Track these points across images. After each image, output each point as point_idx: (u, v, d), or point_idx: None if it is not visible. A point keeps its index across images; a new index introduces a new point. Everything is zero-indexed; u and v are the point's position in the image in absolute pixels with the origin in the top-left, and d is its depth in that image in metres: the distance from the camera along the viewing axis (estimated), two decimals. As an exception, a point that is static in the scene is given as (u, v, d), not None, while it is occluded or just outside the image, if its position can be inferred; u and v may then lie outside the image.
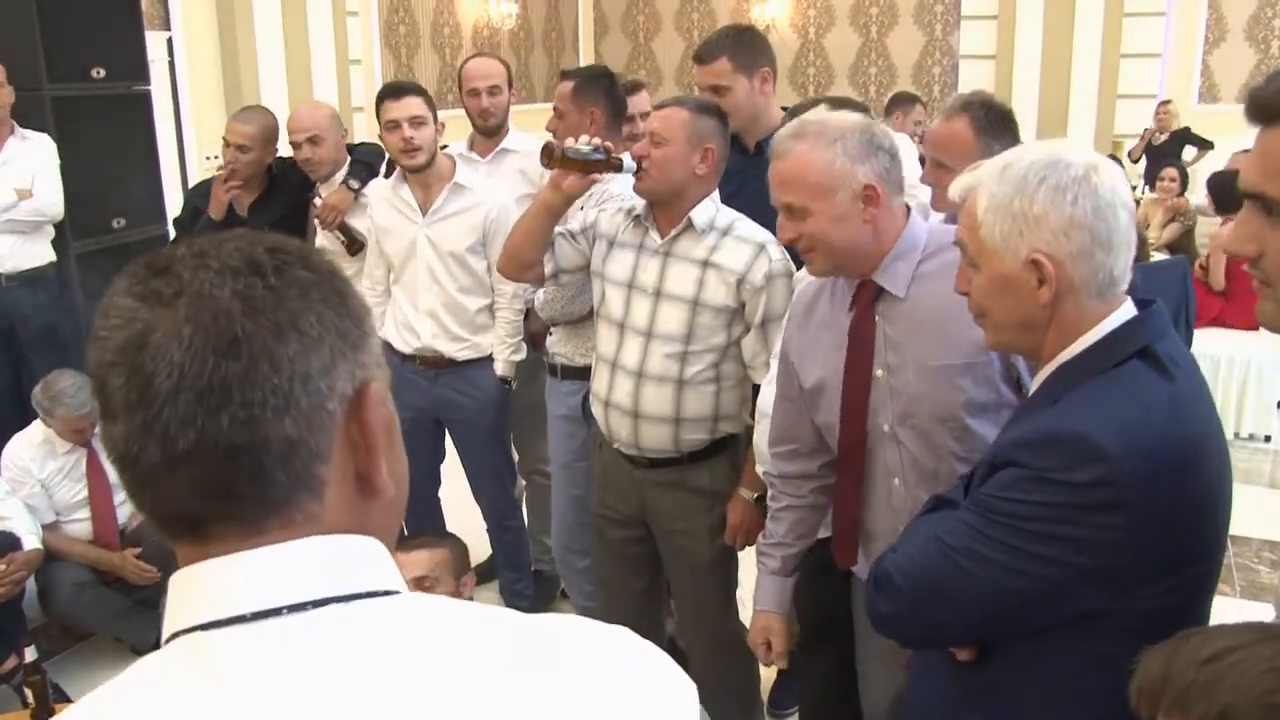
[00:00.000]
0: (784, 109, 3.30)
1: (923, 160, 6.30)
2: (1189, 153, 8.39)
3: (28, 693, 3.05)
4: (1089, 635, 1.42)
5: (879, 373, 1.96)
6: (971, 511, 1.46)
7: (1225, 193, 6.04)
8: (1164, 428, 1.37)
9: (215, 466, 0.68)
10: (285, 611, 0.68)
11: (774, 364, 2.55)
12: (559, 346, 3.28)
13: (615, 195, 3.09)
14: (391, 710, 0.66)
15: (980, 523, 1.43)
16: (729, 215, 2.72)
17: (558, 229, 2.80)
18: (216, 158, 6.65)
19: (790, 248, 2.69)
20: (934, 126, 2.80)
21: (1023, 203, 1.43)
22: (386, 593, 0.71)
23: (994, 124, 2.59)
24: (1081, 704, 1.44)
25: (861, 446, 2.00)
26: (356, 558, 0.72)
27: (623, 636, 0.76)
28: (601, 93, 3.35)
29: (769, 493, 2.31)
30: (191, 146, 7.01)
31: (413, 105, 3.37)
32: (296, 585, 0.69)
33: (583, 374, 3.16)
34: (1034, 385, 1.57)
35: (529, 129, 4.11)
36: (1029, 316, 1.48)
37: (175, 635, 0.70)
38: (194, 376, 0.67)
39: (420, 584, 2.69)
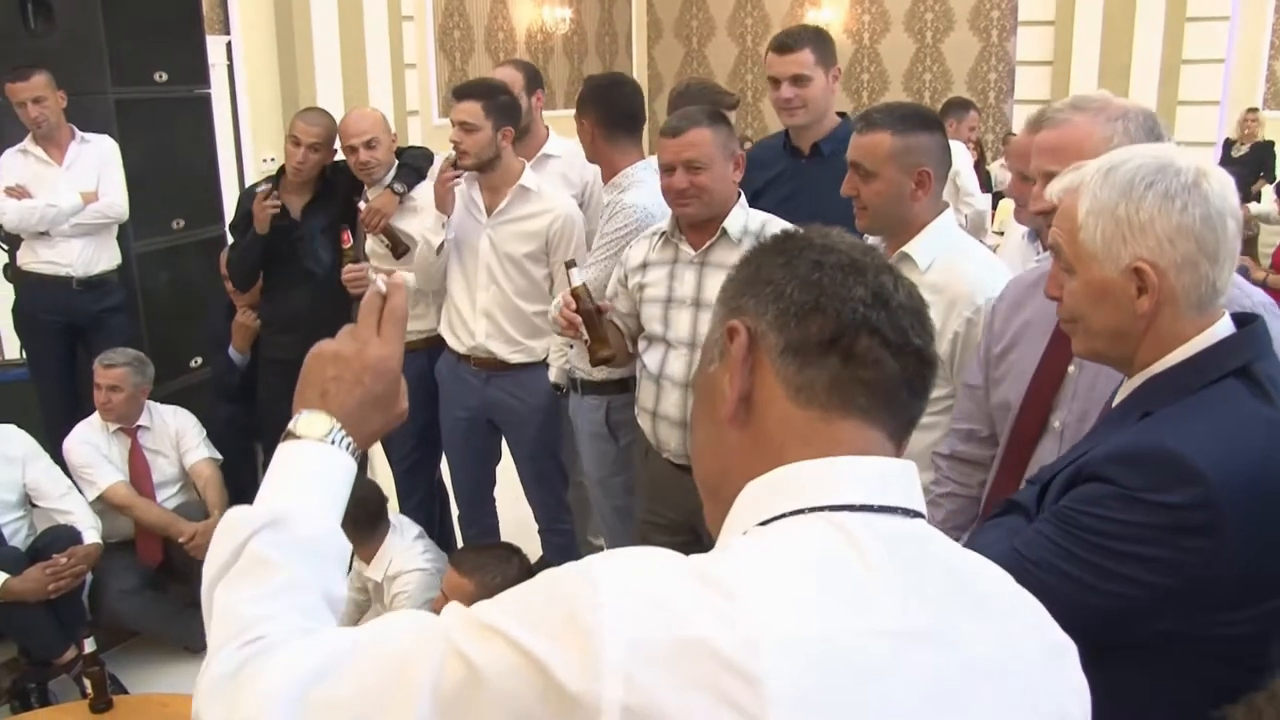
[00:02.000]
0: (840, 115, 3.29)
1: (977, 166, 6.24)
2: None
3: (86, 683, 3.11)
4: (1160, 656, 1.38)
5: (1072, 368, 1.88)
6: (1051, 524, 1.41)
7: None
8: (1262, 453, 1.32)
9: (927, 374, 0.94)
10: (899, 512, 0.89)
11: None
12: (578, 360, 3.27)
13: (629, 205, 3.11)
14: (962, 584, 0.89)
15: (1060, 536, 1.39)
16: (758, 217, 2.72)
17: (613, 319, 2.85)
18: (274, 160, 6.75)
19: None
20: (1019, 139, 2.76)
21: (1128, 208, 1.38)
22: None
23: None
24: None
25: (1035, 438, 1.92)
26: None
27: None
28: (589, 103, 3.33)
29: (932, 476, 2.21)
30: (249, 149, 7.12)
31: (465, 110, 3.37)
32: (896, 492, 0.90)
33: (601, 388, 3.17)
34: (1119, 396, 1.52)
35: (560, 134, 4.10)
36: (1124, 325, 1.42)
37: (810, 510, 0.87)
38: (920, 312, 0.94)
39: (435, 605, 2.73)
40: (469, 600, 2.70)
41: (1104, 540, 1.35)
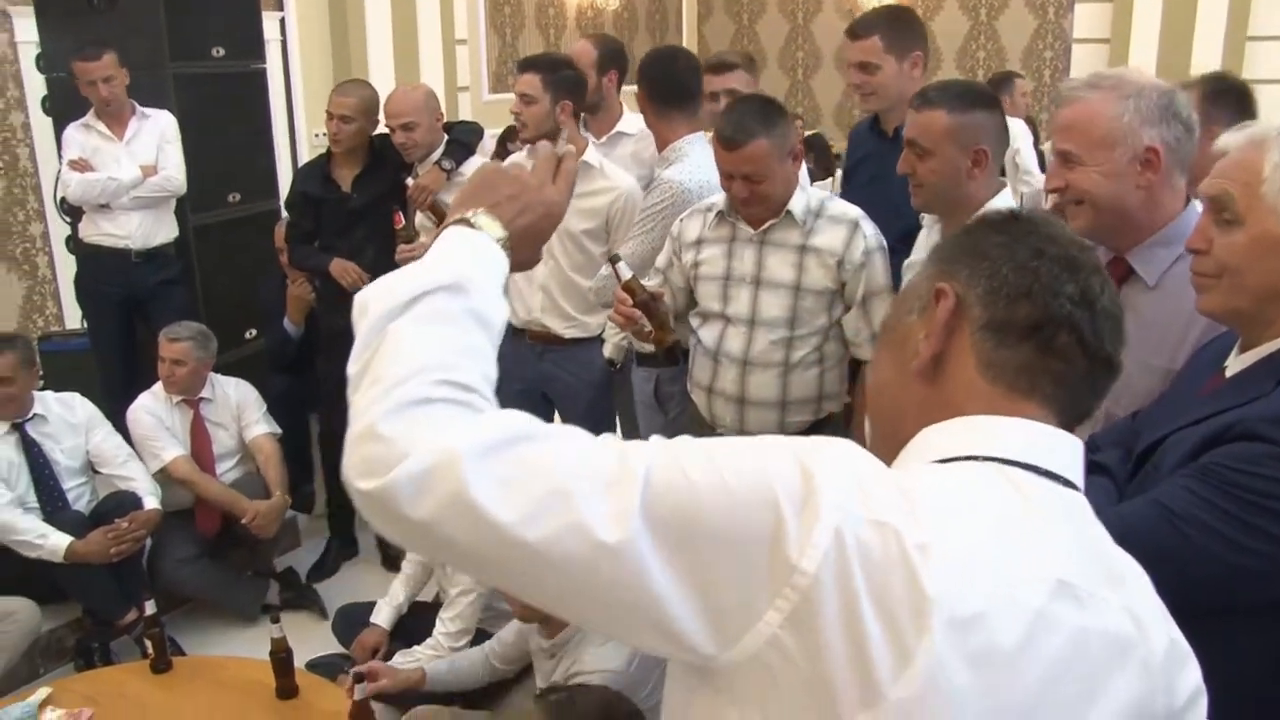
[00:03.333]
0: None
1: (1035, 143, 6.14)
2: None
3: (147, 644, 3.19)
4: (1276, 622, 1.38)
5: None
6: (1196, 480, 1.41)
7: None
8: None
9: (1110, 379, 0.99)
10: (1062, 481, 0.93)
11: None
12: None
13: (666, 181, 3.12)
14: (1106, 560, 0.93)
15: (1208, 491, 1.38)
16: (816, 195, 2.72)
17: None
18: (324, 135, 6.82)
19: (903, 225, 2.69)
20: None
21: None
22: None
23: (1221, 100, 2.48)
24: (1252, 690, 1.40)
25: None
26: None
27: None
28: (642, 77, 3.36)
29: None
30: (301, 124, 7.17)
31: (525, 83, 3.39)
32: (1062, 463, 0.94)
33: (651, 360, 3.18)
34: (1240, 361, 1.51)
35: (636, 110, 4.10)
36: None
37: (983, 459, 0.92)
38: (1118, 319, 0.98)
39: None
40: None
41: (1260, 499, 1.35)
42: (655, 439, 0.87)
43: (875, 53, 3.10)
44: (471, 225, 1.04)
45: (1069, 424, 0.97)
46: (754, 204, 2.64)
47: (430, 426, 0.83)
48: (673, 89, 3.29)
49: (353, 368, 0.90)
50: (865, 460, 0.86)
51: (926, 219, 2.57)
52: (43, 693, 3.03)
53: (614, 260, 2.63)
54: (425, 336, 0.90)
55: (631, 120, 3.85)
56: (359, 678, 2.74)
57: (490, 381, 0.91)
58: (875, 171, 3.06)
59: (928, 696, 0.78)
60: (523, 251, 1.08)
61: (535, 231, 1.11)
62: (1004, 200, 2.39)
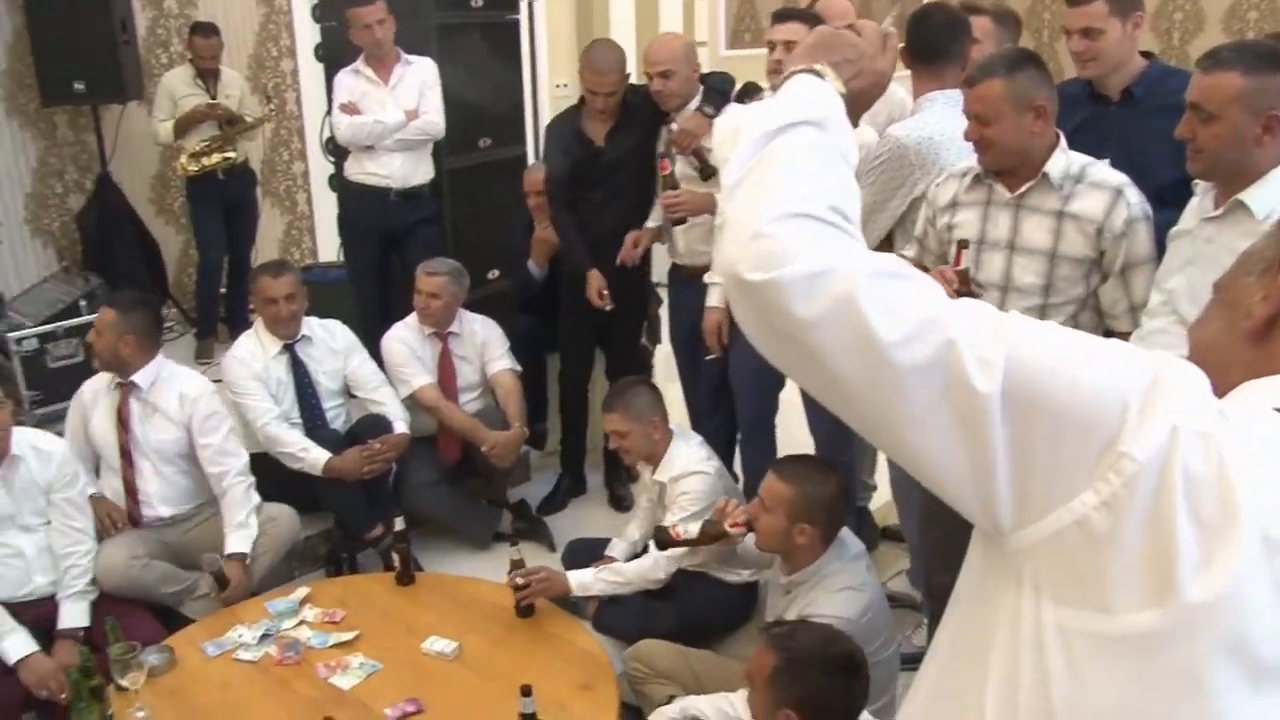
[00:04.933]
0: (1144, 55, 3.10)
1: None
2: None
3: (394, 557, 3.41)
4: None
5: None
6: None
7: None
8: None
9: None
10: None
11: (1147, 321, 2.45)
12: None
13: (886, 136, 3.09)
14: None
15: None
16: (1079, 160, 2.62)
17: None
18: (567, 84, 7.01)
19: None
20: None
21: None
22: None
23: None
24: None
25: None
26: None
27: None
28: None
29: None
30: (544, 74, 7.38)
31: (789, 30, 3.47)
32: None
33: None
34: None
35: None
36: None
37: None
38: None
39: (753, 511, 2.79)
40: (786, 506, 2.77)
41: None
42: (1013, 313, 0.90)
43: (1100, 17, 2.93)
44: (820, 76, 1.10)
45: None
46: (983, 150, 2.60)
47: (823, 241, 0.90)
48: (922, 46, 3.23)
49: (730, 179, 0.97)
50: (1201, 378, 0.87)
51: (1200, 185, 2.43)
52: (302, 591, 3.31)
53: (962, 244, 2.66)
54: (808, 161, 0.97)
55: None
56: (749, 525, 2.79)
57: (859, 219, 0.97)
58: (1096, 140, 2.91)
59: (1225, 604, 0.80)
60: (851, 113, 1.12)
61: (866, 98, 1.16)
62: None
